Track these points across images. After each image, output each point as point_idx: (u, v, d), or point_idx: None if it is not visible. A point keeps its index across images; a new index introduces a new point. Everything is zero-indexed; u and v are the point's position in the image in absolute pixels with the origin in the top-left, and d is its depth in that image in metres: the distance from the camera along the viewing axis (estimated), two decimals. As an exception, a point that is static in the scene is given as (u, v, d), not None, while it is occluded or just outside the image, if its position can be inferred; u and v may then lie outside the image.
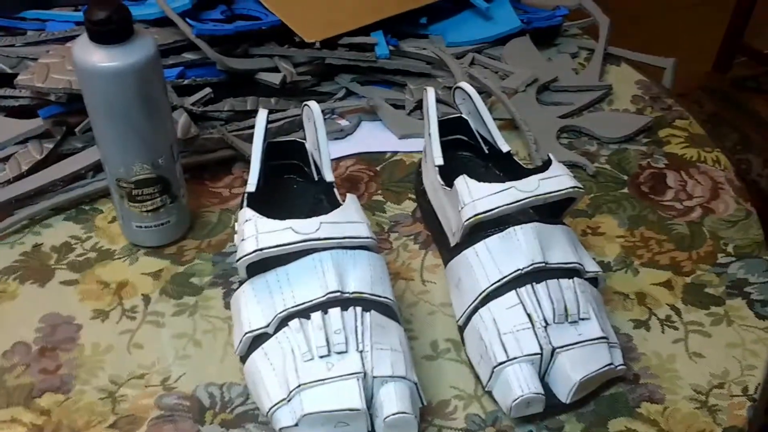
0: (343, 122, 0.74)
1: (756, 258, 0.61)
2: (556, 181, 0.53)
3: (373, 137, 0.73)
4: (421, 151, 0.65)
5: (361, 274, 0.49)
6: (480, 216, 0.51)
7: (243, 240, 0.49)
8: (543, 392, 0.48)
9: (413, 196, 0.67)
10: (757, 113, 1.29)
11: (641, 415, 0.50)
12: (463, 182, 0.53)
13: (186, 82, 0.70)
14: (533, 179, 0.52)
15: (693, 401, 0.51)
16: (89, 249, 0.61)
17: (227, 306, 0.57)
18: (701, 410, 0.50)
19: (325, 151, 0.57)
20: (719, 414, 0.50)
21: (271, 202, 0.57)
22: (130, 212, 0.59)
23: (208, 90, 0.70)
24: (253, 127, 0.69)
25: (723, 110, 1.28)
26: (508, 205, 0.51)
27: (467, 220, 0.52)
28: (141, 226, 0.59)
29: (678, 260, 0.61)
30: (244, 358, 0.50)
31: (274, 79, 0.72)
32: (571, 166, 0.68)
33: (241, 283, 0.51)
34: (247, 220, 0.50)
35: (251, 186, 0.55)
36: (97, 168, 0.65)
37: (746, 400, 0.51)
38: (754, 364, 0.53)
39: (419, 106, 0.75)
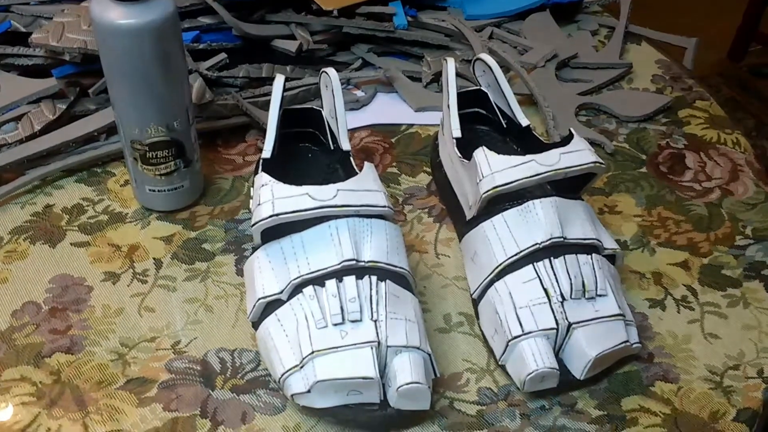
0: (359, 93, 0.73)
1: (775, 241, 0.60)
2: (578, 155, 0.52)
3: (388, 109, 0.72)
4: (437, 125, 0.64)
5: (377, 244, 0.49)
6: (499, 188, 0.51)
7: (259, 205, 0.49)
8: (557, 367, 0.47)
9: (428, 169, 0.66)
10: (773, 100, 1.28)
11: (655, 393, 0.49)
12: (482, 154, 0.52)
13: (201, 46, 0.69)
14: (554, 153, 0.52)
15: (707, 382, 0.50)
16: (101, 211, 0.61)
17: (239, 272, 0.57)
18: (716, 391, 0.50)
19: (343, 119, 0.56)
20: (734, 395, 0.49)
21: (285, 169, 0.56)
22: (144, 175, 0.58)
23: (223, 55, 0.69)
24: (268, 94, 0.69)
25: (739, 96, 1.27)
26: (528, 178, 0.51)
27: (486, 192, 0.51)
28: (154, 190, 0.59)
29: (695, 241, 0.60)
30: (256, 324, 0.49)
31: (290, 46, 0.71)
32: (590, 143, 0.67)
33: (255, 249, 0.51)
34: (263, 185, 0.49)
35: (267, 152, 0.54)
36: (110, 130, 0.64)
37: (761, 382, 0.50)
38: (770, 347, 0.52)
39: (436, 78, 0.74)
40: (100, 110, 0.65)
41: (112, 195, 0.62)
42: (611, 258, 0.53)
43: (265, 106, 0.64)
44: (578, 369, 0.48)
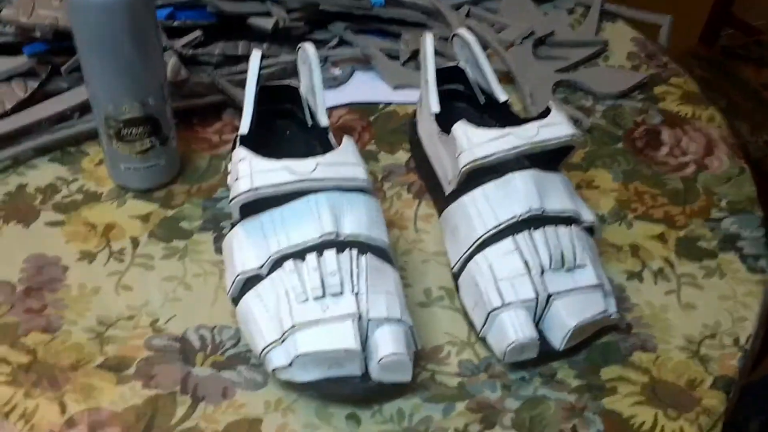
0: (336, 71, 0.73)
1: (749, 213, 0.61)
2: (556, 128, 0.52)
3: (366, 87, 0.72)
4: (416, 102, 0.64)
5: (357, 217, 0.48)
6: (478, 162, 0.51)
7: (237, 179, 0.48)
8: (537, 337, 0.48)
9: (407, 147, 0.66)
10: (745, 80, 1.29)
11: (633, 363, 0.50)
12: (461, 128, 0.52)
13: (176, 23, 0.68)
14: (532, 126, 0.52)
15: (685, 351, 0.51)
16: (75, 191, 0.60)
17: (218, 251, 0.56)
18: (693, 359, 0.50)
19: (320, 94, 0.56)
20: (710, 363, 0.50)
21: (263, 147, 0.55)
22: (119, 153, 0.57)
23: (198, 33, 0.68)
24: (244, 72, 0.68)
25: (712, 76, 1.28)
26: (506, 151, 0.51)
27: (465, 166, 0.51)
28: (130, 168, 0.58)
29: (672, 214, 0.60)
30: (236, 300, 0.49)
31: (266, 24, 0.71)
32: (567, 119, 0.68)
33: (234, 225, 0.50)
34: (241, 160, 0.49)
35: (244, 128, 0.54)
36: (83, 109, 0.63)
37: (737, 350, 0.51)
38: (745, 316, 0.53)
39: (414, 56, 0.74)
40: (73, 88, 0.64)
41: (87, 174, 0.61)
42: (589, 230, 0.53)
43: (242, 84, 0.63)
44: (558, 339, 0.48)
